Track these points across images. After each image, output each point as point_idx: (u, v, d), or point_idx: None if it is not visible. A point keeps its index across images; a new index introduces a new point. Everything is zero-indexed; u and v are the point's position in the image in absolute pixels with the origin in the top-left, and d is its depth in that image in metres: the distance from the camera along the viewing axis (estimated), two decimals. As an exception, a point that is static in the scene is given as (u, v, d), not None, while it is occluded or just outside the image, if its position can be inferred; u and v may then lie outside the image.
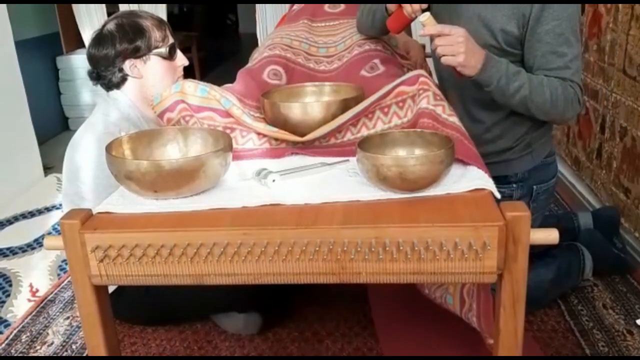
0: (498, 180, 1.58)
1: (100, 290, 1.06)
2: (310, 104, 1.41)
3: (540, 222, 1.80)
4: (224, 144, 1.14)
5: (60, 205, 2.90)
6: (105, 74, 1.64)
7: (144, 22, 1.64)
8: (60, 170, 3.42)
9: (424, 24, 1.34)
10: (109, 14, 4.12)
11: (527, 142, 1.61)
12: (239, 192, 1.13)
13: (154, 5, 4.08)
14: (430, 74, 2.12)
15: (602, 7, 2.35)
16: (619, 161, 2.22)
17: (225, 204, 1.07)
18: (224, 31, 9.44)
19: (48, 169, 3.42)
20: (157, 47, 1.64)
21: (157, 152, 1.22)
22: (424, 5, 1.44)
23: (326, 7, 2.12)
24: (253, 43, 4.12)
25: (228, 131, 1.39)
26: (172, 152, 1.23)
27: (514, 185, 1.66)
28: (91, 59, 1.65)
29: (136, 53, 1.62)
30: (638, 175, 2.07)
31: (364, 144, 1.14)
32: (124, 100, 1.68)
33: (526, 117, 1.53)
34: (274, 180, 1.14)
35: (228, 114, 1.40)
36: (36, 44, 4.00)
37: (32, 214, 2.83)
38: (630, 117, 2.11)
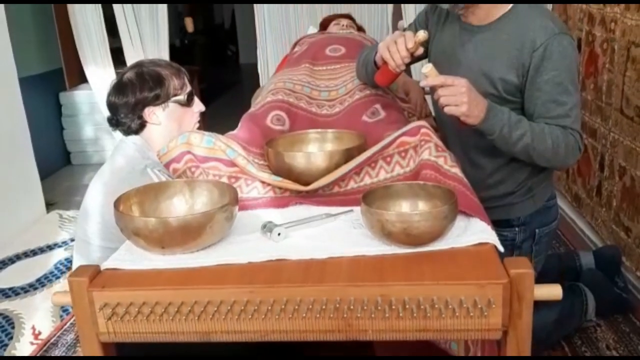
0: (500, 223, 1.61)
1: (107, 346, 1.06)
2: (313, 153, 1.43)
3: (543, 264, 1.81)
4: (230, 198, 1.16)
5: (63, 243, 2.92)
6: (125, 121, 1.67)
7: (163, 70, 1.68)
8: (61, 207, 3.46)
9: (427, 74, 1.36)
10: (112, 50, 4.18)
11: (529, 186, 1.63)
12: (245, 246, 1.14)
13: (156, 37, 4.13)
14: (430, 114, 2.15)
15: (598, 48, 2.39)
16: (619, 200, 2.23)
17: (232, 260, 1.08)
18: (225, 62, 9.55)
19: (50, 205, 3.44)
20: (175, 95, 1.68)
21: (164, 205, 1.24)
22: (407, 60, 1.48)
23: (327, 50, 2.17)
24: (253, 73, 4.17)
25: (233, 180, 1.41)
26: (179, 204, 1.25)
27: (517, 229, 1.67)
28: (111, 106, 1.68)
29: (155, 101, 1.66)
30: (638, 215, 2.09)
31: (368, 196, 1.16)
32: (141, 145, 1.70)
33: (527, 163, 1.55)
34: (279, 234, 1.15)
35: (233, 164, 1.42)
36: (40, 80, 4.05)
37: (34, 252, 2.83)
38: (629, 156, 2.14)
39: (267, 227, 1.17)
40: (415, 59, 1.54)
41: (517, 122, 1.40)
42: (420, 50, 1.50)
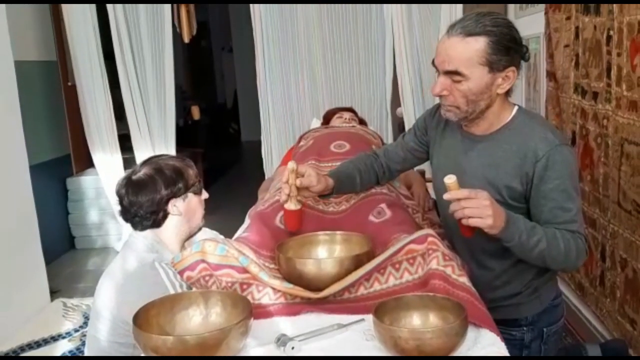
0: (508, 323, 1.63)
1: None
2: (324, 260, 1.47)
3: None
4: (244, 312, 1.19)
5: (67, 334, 2.91)
6: (148, 216, 1.72)
7: (177, 163, 1.78)
8: (65, 295, 3.45)
9: (449, 187, 1.37)
10: (120, 137, 4.29)
11: (535, 286, 1.65)
12: (260, 361, 1.16)
13: (163, 123, 4.24)
14: (433, 207, 2.21)
15: (592, 142, 2.48)
16: (623, 291, 2.25)
17: (248, 376, 1.10)
18: (227, 141, 9.74)
19: (54, 292, 3.43)
20: (193, 185, 1.76)
21: (179, 317, 1.27)
22: (291, 192, 1.62)
23: (332, 146, 2.26)
24: (255, 150, 4.25)
25: (245, 286, 1.45)
26: (194, 315, 1.28)
27: (525, 329, 1.68)
28: (132, 205, 1.71)
29: (178, 192, 1.74)
30: (643, 307, 2.11)
31: (380, 309, 1.19)
32: (151, 240, 1.75)
33: (533, 264, 1.58)
34: (292, 348, 1.17)
35: (245, 270, 1.46)
36: (48, 166, 4.14)
37: (38, 344, 2.81)
38: (630, 249, 2.17)
39: (281, 341, 1.19)
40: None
41: (532, 228, 1.44)
42: (309, 180, 1.62)
